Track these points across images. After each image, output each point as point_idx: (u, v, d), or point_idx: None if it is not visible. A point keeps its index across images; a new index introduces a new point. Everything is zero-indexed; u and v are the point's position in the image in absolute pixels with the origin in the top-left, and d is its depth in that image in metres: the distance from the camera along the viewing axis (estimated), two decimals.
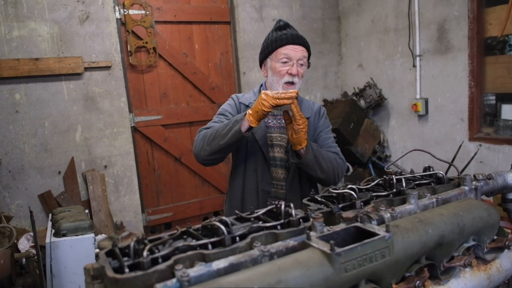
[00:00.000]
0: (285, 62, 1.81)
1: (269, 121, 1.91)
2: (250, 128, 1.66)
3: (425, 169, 1.35)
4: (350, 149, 4.40)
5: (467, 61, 3.68)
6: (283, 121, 1.88)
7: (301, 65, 1.83)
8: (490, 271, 1.11)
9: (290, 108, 1.63)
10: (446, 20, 3.82)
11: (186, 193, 4.30)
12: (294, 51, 1.80)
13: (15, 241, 2.74)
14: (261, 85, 1.98)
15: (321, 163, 1.75)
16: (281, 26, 1.87)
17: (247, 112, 1.65)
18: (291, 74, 1.80)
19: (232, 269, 0.78)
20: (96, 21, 3.61)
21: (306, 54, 1.85)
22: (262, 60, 1.93)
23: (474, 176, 1.31)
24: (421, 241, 0.93)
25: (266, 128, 1.89)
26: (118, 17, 3.74)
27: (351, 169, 4.47)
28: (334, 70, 5.02)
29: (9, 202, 3.40)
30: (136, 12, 3.80)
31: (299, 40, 1.82)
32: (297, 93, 1.61)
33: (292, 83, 1.81)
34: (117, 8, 3.72)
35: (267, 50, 1.87)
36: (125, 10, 3.75)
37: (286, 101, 1.58)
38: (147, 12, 3.82)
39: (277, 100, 1.58)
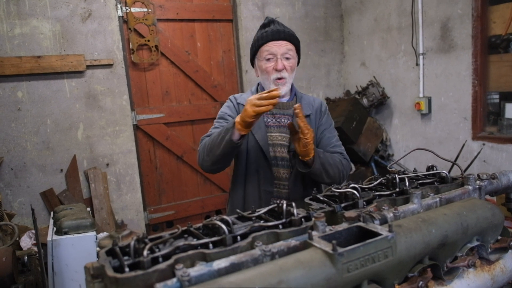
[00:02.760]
0: (269, 59, 1.79)
1: (268, 120, 1.89)
2: (242, 136, 1.64)
3: (428, 168, 1.34)
4: (353, 148, 4.39)
5: (471, 60, 3.66)
6: (282, 120, 1.87)
7: (287, 58, 1.80)
8: (494, 271, 1.10)
9: (297, 122, 1.59)
10: (450, 18, 3.79)
11: (188, 191, 4.30)
12: (277, 47, 1.78)
13: (17, 239, 2.74)
14: (258, 84, 1.97)
15: (327, 169, 1.74)
16: (265, 23, 1.85)
17: (235, 121, 1.63)
18: (277, 70, 1.78)
19: (233, 268, 0.77)
20: (98, 18, 3.61)
21: (291, 47, 1.81)
22: (252, 61, 1.93)
23: (478, 175, 1.30)
24: (424, 241, 0.92)
25: (266, 128, 1.88)
26: (120, 14, 3.74)
27: (353, 168, 4.45)
28: (337, 69, 5.00)
29: (11, 199, 3.41)
30: (138, 10, 3.79)
31: (279, 35, 1.78)
32: (278, 92, 1.55)
33: (281, 78, 1.79)
34: (119, 5, 3.71)
35: (252, 50, 1.87)
36: (127, 7, 3.74)
37: (265, 108, 1.53)
38: (149, 10, 3.81)
39: (257, 108, 1.53)
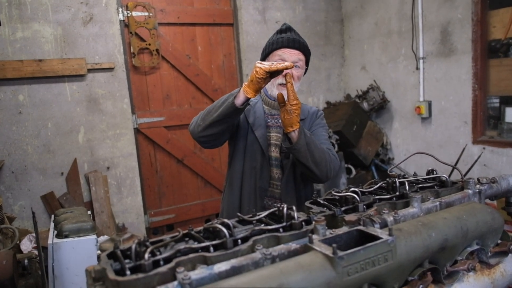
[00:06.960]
0: None
1: (268, 120, 1.93)
2: (247, 100, 1.64)
3: (428, 172, 1.34)
4: (353, 152, 4.39)
5: (471, 64, 3.67)
6: (280, 121, 1.88)
7: (296, 67, 1.82)
8: (494, 275, 1.10)
9: (286, 88, 1.60)
10: (450, 22, 3.81)
11: (188, 194, 4.30)
12: (289, 54, 1.80)
13: (18, 242, 2.75)
14: None
15: (313, 151, 1.70)
16: (282, 29, 1.88)
17: (243, 84, 1.64)
18: (285, 76, 1.80)
19: (234, 272, 0.78)
20: (99, 22, 3.62)
21: (302, 57, 1.84)
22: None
23: (478, 179, 1.30)
24: (424, 245, 0.92)
25: (266, 128, 1.91)
26: (122, 18, 3.75)
27: (353, 172, 4.46)
28: (337, 73, 5.01)
29: (12, 203, 3.41)
30: (139, 14, 3.81)
31: (294, 44, 1.81)
32: (292, 66, 1.57)
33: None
34: (120, 9, 3.73)
35: (265, 52, 1.89)
36: (128, 12, 3.76)
37: (280, 67, 1.54)
38: (150, 14, 3.83)
39: (272, 66, 1.54)
